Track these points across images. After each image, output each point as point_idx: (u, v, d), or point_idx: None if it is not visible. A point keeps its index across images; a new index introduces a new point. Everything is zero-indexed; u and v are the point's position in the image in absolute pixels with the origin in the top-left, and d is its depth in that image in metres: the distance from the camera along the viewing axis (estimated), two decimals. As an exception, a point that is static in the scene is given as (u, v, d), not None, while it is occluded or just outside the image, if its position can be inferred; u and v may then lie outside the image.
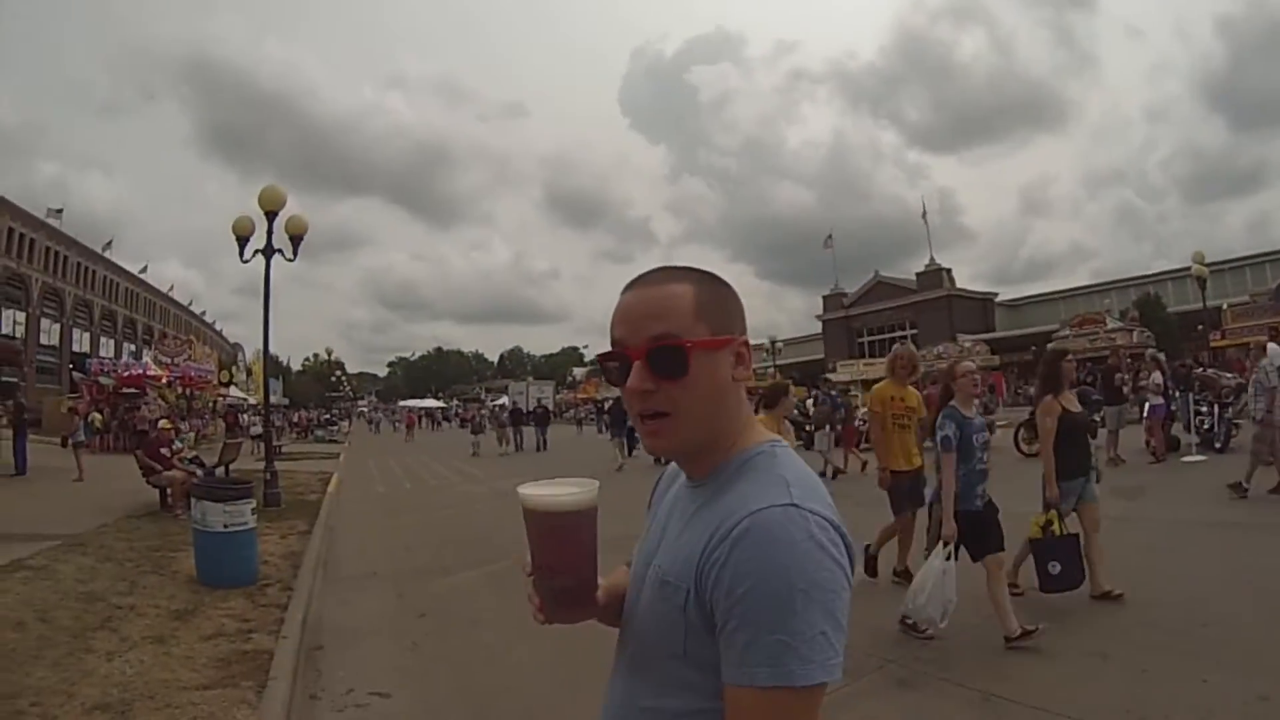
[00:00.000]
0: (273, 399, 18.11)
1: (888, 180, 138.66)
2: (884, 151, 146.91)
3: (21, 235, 41.81)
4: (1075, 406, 4.87)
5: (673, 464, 1.10)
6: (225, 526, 5.71)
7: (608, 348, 0.99)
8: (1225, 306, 29.25)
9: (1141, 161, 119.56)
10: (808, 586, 0.83)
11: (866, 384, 20.05)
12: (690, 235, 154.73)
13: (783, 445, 1.02)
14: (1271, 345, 8.22)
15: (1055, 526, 4.56)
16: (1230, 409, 11.63)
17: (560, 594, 1.01)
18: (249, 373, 38.82)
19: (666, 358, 0.94)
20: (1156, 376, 11.95)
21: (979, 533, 4.13)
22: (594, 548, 1.01)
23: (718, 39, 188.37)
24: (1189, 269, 22.34)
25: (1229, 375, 12.97)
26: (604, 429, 27.00)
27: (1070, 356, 5.10)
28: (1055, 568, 4.50)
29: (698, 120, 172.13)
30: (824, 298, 51.22)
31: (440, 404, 70.33)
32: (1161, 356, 12.80)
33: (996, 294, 46.81)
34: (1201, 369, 14.01)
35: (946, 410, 4.28)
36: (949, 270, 44.65)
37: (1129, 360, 18.45)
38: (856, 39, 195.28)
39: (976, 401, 4.57)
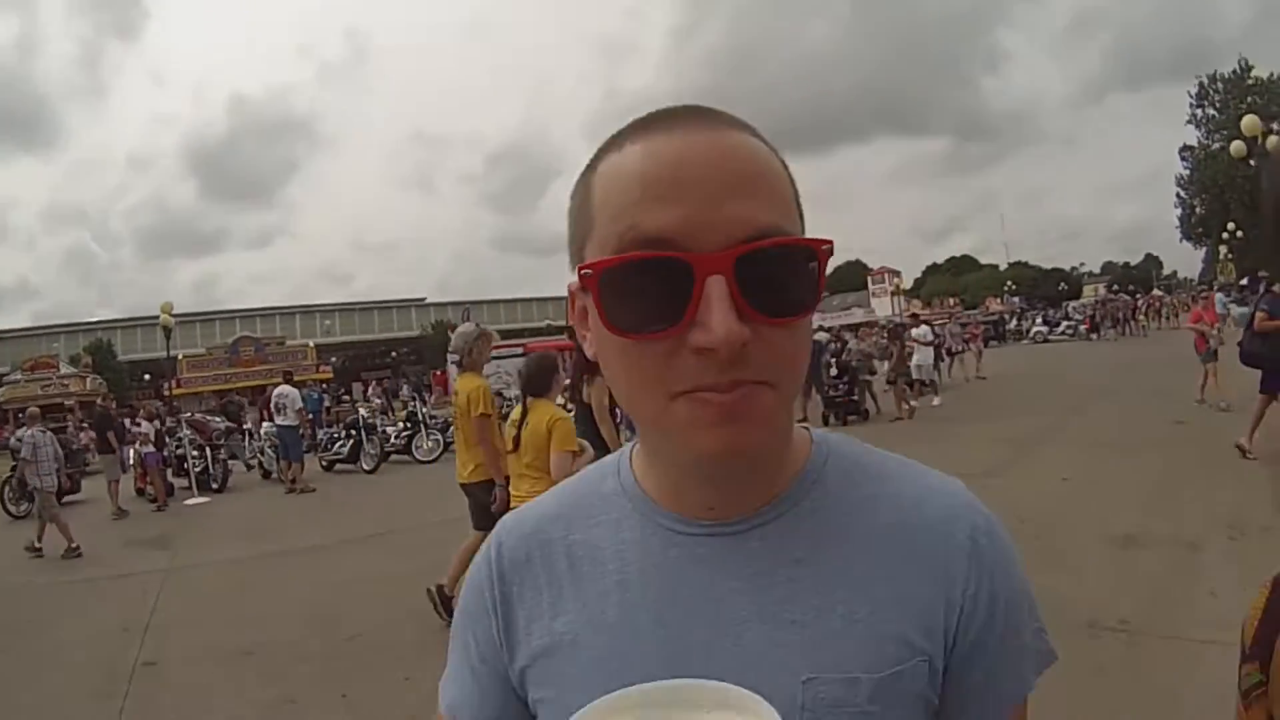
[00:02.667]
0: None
1: None
2: None
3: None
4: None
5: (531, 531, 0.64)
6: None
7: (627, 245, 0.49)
8: (181, 357, 31.91)
9: (109, 206, 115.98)
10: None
11: None
12: None
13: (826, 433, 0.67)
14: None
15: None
16: (223, 450, 12.61)
17: None
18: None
19: (781, 271, 0.50)
20: (148, 426, 12.09)
21: None
22: None
23: None
24: (143, 318, 23.47)
25: (217, 419, 14.20)
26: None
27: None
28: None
29: None
30: None
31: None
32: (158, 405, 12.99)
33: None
34: (190, 415, 14.79)
35: None
36: None
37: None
38: None
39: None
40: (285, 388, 11.83)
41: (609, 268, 0.49)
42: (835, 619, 0.56)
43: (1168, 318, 34.43)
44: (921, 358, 13.36)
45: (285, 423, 11.33)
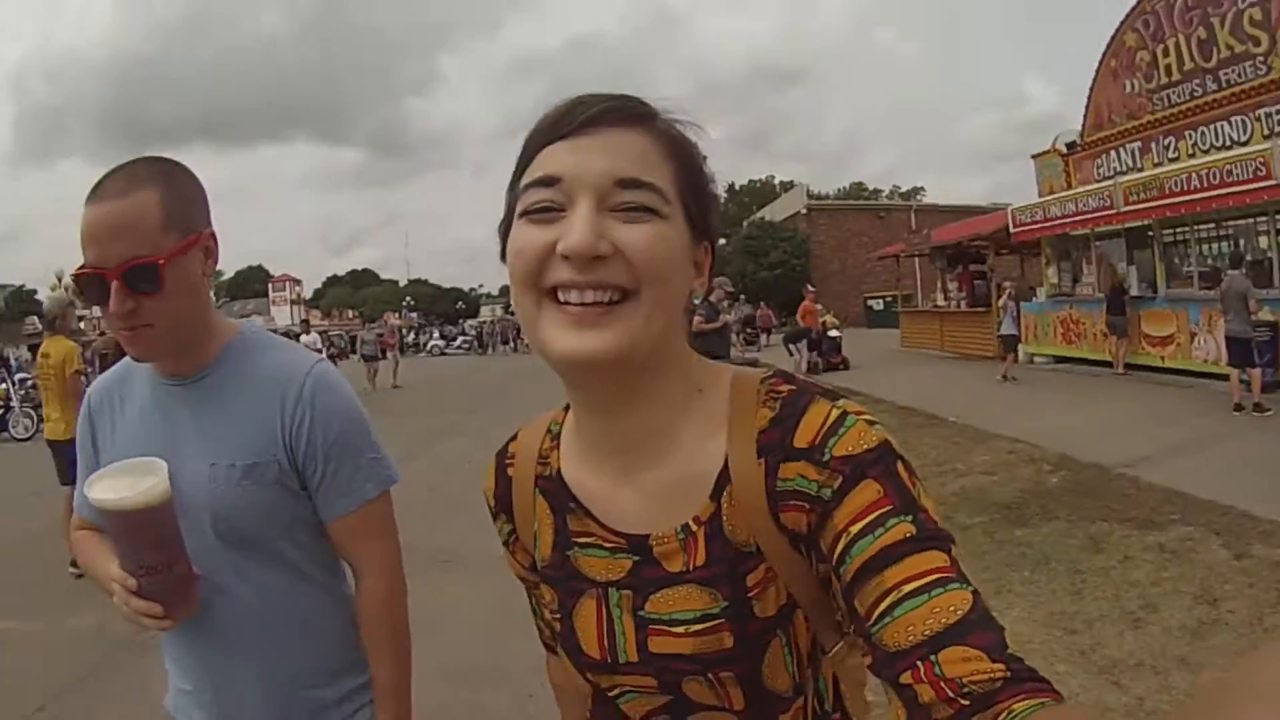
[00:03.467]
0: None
1: None
2: None
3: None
4: None
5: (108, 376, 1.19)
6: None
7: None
8: None
9: None
10: (363, 416, 1.14)
11: None
12: None
13: (250, 323, 1.22)
14: None
15: None
16: None
17: (180, 581, 0.99)
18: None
19: (141, 277, 0.98)
20: None
21: None
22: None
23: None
24: None
25: None
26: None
27: None
28: None
29: None
30: None
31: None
32: None
33: None
34: None
35: None
36: None
37: None
38: None
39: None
40: None
41: (76, 272, 1.02)
42: (228, 431, 1.05)
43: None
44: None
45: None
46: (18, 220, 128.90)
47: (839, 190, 64.68)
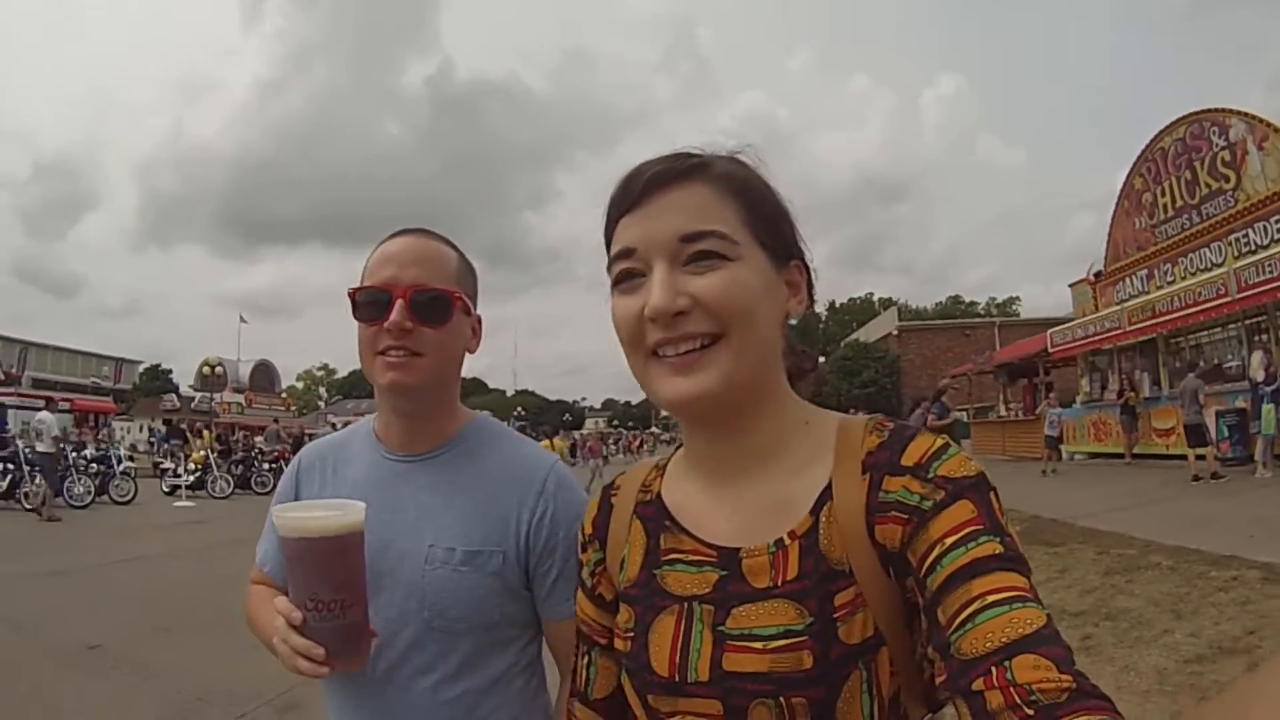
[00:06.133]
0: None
1: None
2: None
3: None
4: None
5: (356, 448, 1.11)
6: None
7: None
8: None
9: None
10: None
11: None
12: None
13: (485, 414, 1.19)
14: None
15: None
16: None
17: (351, 630, 0.86)
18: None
19: (432, 302, 0.99)
20: None
21: None
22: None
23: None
24: None
25: None
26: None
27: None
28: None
29: None
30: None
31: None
32: None
33: None
34: None
35: None
36: None
37: None
38: None
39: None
40: None
41: (359, 288, 1.00)
42: (455, 514, 1.01)
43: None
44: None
45: None
46: (131, 295, 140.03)
47: (936, 305, 66.31)
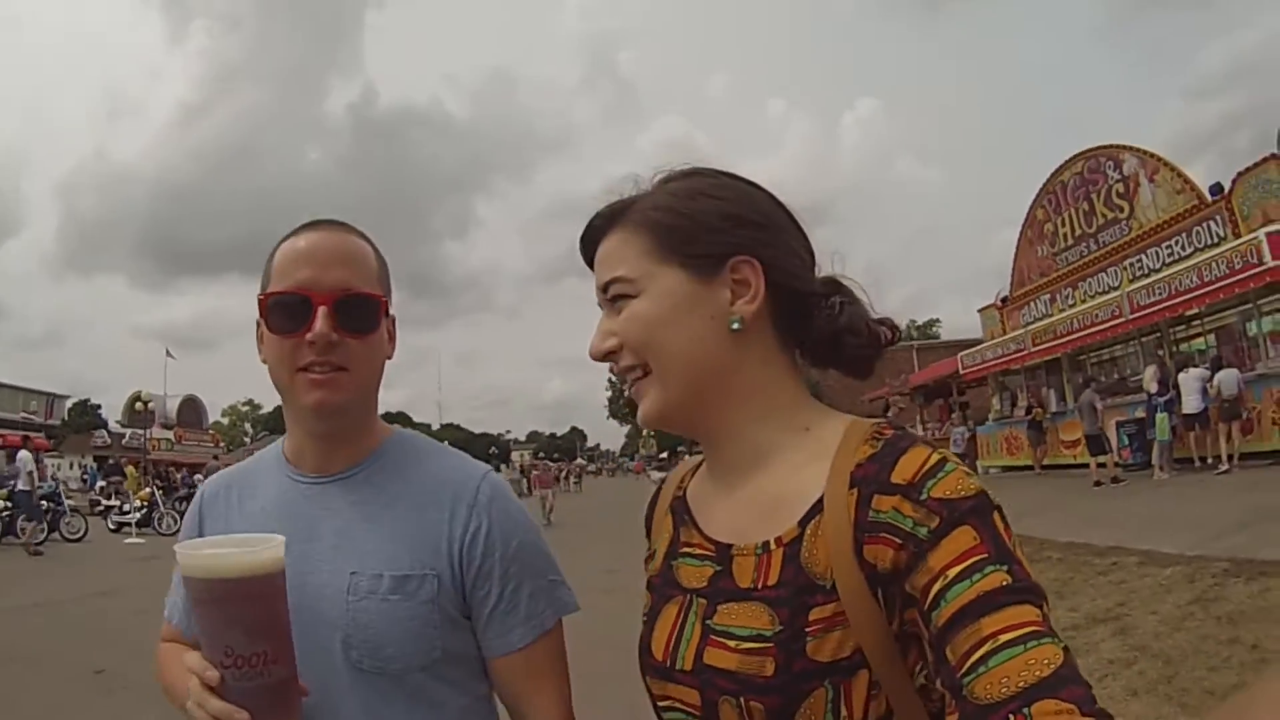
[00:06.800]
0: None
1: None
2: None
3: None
4: None
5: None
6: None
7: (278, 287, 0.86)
8: None
9: None
10: (540, 532, 0.97)
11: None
12: None
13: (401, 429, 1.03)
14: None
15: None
16: None
17: (278, 688, 0.72)
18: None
19: (358, 310, 0.87)
20: None
21: None
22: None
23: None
24: None
25: None
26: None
27: None
28: None
29: None
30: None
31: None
32: None
33: None
34: None
35: None
36: None
37: None
38: None
39: None
40: None
41: (272, 293, 0.86)
42: (378, 537, 0.87)
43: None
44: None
45: None
46: (52, 324, 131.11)
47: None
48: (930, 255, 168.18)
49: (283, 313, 0.85)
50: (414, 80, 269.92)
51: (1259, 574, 4.61)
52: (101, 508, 17.21)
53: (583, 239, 0.78)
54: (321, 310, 0.83)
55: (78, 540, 13.40)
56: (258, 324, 0.89)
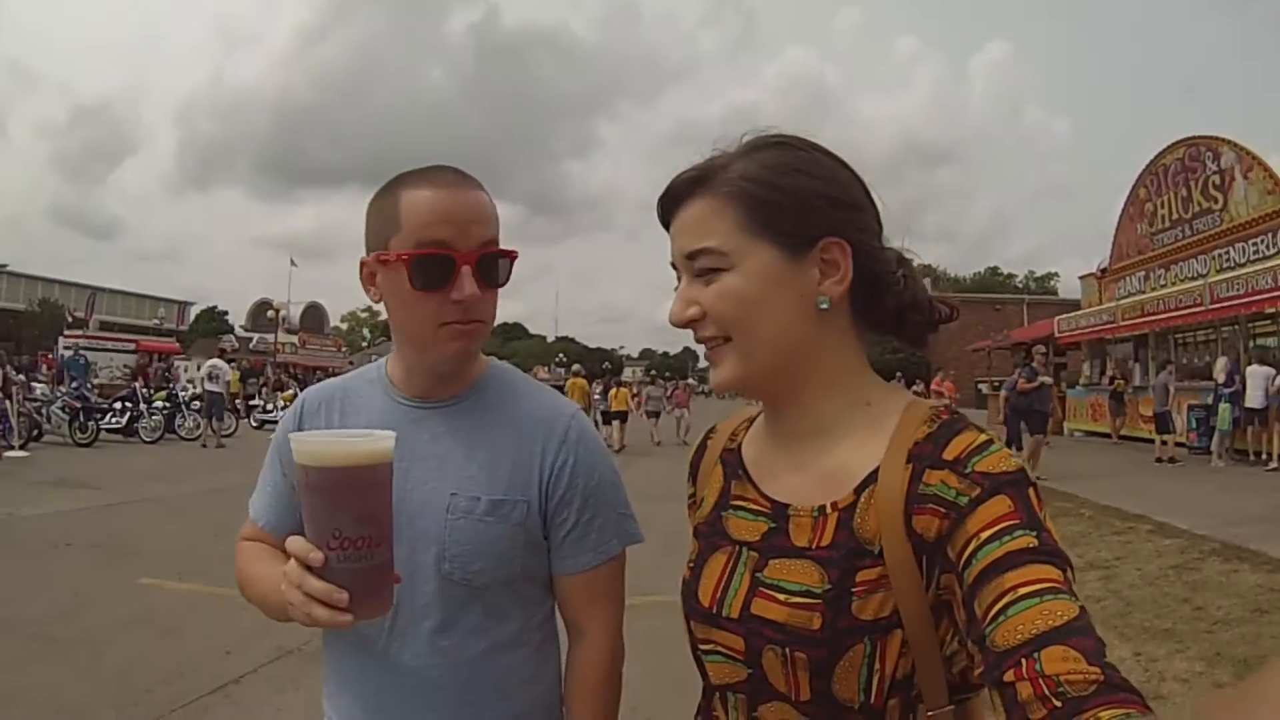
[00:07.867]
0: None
1: None
2: None
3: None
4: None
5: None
6: None
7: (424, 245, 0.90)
8: None
9: None
10: (617, 470, 1.07)
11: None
12: None
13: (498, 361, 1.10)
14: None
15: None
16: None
17: (376, 572, 0.76)
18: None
19: (495, 266, 0.94)
20: None
21: None
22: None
23: None
24: None
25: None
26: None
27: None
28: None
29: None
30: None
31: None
32: None
33: None
34: None
35: None
36: None
37: None
38: None
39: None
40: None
41: (419, 252, 0.90)
42: (478, 462, 0.97)
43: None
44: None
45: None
46: (175, 238, 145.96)
47: (974, 275, 66.71)
48: (1053, 212, 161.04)
49: (427, 271, 0.90)
50: (538, 2, 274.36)
51: (1236, 558, 5.59)
52: (246, 406, 20.09)
53: (663, 198, 0.77)
54: (465, 270, 0.90)
55: (230, 435, 15.14)
56: (370, 270, 0.96)
